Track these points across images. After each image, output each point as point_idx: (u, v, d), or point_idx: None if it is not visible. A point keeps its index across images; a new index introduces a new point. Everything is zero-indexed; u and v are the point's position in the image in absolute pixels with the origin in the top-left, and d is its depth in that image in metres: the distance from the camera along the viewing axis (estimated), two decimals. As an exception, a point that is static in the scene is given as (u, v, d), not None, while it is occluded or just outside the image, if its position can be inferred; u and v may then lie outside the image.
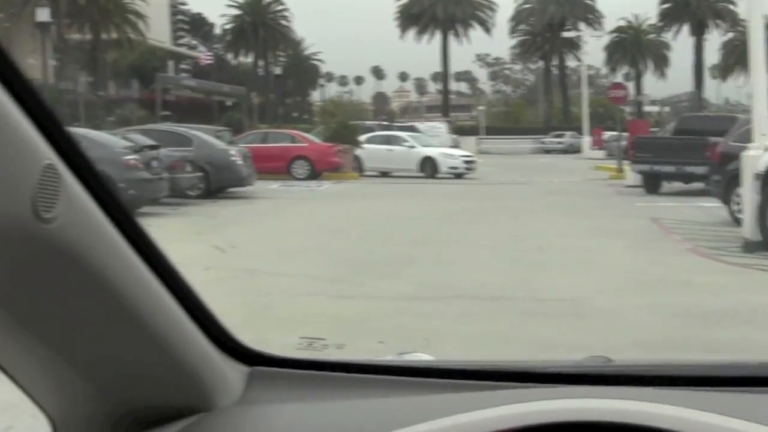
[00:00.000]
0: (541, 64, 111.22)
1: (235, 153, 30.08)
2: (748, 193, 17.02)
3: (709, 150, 26.03)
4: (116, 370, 1.64)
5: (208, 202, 26.66)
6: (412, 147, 43.07)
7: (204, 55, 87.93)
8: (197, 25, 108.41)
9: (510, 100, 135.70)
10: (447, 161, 42.64)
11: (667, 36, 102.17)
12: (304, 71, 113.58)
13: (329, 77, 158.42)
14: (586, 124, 69.34)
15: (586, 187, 35.24)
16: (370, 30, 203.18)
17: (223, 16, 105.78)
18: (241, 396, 1.87)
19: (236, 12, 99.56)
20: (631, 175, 33.65)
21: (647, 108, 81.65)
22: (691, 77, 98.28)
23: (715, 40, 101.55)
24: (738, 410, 1.59)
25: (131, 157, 22.38)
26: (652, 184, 31.62)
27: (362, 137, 44.75)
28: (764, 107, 16.88)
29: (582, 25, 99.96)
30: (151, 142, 25.49)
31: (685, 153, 29.72)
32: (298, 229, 20.95)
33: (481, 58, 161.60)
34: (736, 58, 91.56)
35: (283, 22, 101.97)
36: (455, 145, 54.18)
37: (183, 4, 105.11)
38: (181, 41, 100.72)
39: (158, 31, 70.86)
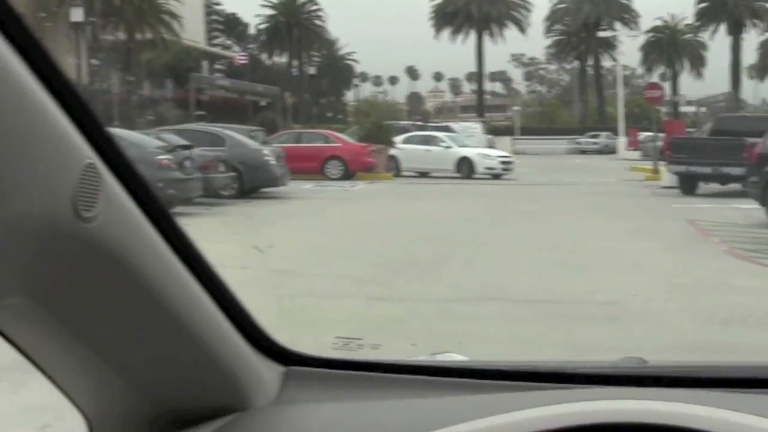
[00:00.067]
0: (576, 64, 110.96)
1: (268, 153, 30.06)
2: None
3: (746, 151, 25.81)
4: (153, 369, 1.65)
5: (241, 202, 26.64)
6: (449, 147, 42.95)
7: (238, 55, 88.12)
8: (232, 25, 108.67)
9: (545, 101, 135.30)
10: (483, 162, 42.44)
11: (704, 36, 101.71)
12: (338, 71, 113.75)
13: (363, 77, 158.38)
14: (621, 125, 69.08)
15: (621, 188, 35.03)
16: (404, 30, 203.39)
17: (258, 16, 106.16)
18: (277, 396, 1.87)
19: (271, 12, 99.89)
20: (667, 176, 33.42)
21: (683, 108, 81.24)
22: (728, 77, 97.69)
23: (752, 39, 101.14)
24: None
25: (164, 157, 22.40)
26: (688, 186, 31.39)
27: (399, 137, 44.74)
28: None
29: (618, 25, 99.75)
30: (184, 142, 25.52)
31: (722, 154, 29.49)
32: (332, 229, 20.90)
33: (516, 58, 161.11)
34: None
35: (318, 22, 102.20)
36: (490, 146, 53.97)
37: (217, 4, 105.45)
38: (216, 41, 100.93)
39: (193, 31, 71.05)
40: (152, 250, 1.50)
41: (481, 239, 18.72)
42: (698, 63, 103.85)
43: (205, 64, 75.63)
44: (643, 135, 62.57)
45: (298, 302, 11.57)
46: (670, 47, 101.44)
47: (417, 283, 13.51)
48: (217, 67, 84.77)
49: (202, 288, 1.65)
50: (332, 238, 18.93)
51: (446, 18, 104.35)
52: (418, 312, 11.32)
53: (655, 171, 38.95)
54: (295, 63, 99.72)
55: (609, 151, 72.84)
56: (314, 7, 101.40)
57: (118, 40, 64.25)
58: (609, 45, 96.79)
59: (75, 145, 1.32)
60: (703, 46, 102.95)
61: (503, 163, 43.01)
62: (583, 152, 78.60)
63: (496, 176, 41.49)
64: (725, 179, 30.23)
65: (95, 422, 1.71)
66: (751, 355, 8.58)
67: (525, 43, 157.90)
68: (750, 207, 22.72)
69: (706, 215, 23.10)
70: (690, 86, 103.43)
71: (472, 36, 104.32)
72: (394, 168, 42.00)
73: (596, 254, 16.40)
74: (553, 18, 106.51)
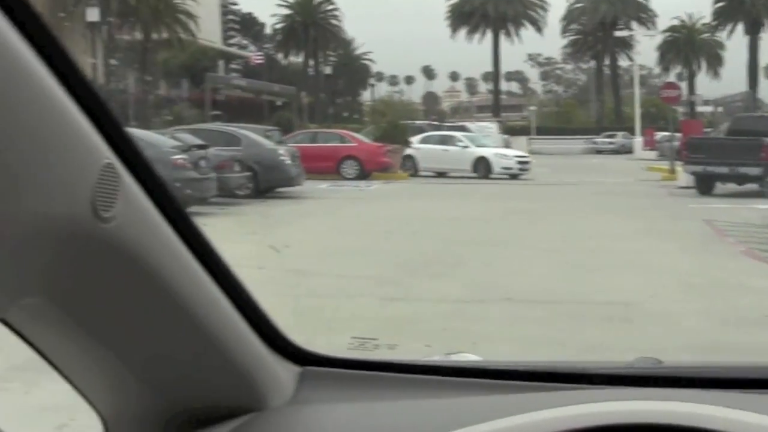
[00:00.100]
0: (592, 63, 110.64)
1: (283, 152, 30.05)
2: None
3: (764, 151, 25.79)
4: (170, 369, 1.65)
5: (256, 202, 26.62)
6: (466, 147, 42.86)
7: (254, 55, 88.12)
8: (248, 25, 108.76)
9: (561, 100, 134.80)
10: (500, 161, 42.32)
11: (721, 35, 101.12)
12: (354, 71, 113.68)
13: (379, 77, 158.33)
14: (638, 125, 68.86)
15: (638, 188, 34.93)
16: (420, 29, 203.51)
17: (274, 15, 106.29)
18: (293, 396, 1.88)
19: (287, 11, 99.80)
20: (684, 176, 33.34)
21: (700, 108, 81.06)
22: (745, 77, 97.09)
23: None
24: None
25: (179, 157, 22.40)
26: (705, 186, 31.28)
27: (417, 137, 44.71)
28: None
29: (634, 25, 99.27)
30: (199, 142, 25.52)
31: (739, 154, 29.40)
32: (347, 229, 20.89)
33: (532, 58, 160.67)
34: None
35: (334, 22, 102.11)
36: (506, 145, 53.86)
37: (234, 4, 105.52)
38: (232, 41, 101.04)
39: (209, 31, 71.10)
40: (170, 250, 1.51)
41: (496, 239, 18.68)
42: (715, 62, 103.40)
43: (221, 63, 75.78)
44: (660, 135, 62.34)
45: (313, 302, 11.56)
46: (687, 47, 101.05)
47: (432, 283, 13.49)
48: (233, 66, 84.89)
49: (219, 288, 1.65)
50: (348, 238, 18.91)
51: (463, 17, 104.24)
52: (432, 312, 11.31)
53: (672, 171, 38.83)
54: (311, 63, 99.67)
55: (625, 151, 72.60)
56: (330, 7, 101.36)
57: (135, 40, 64.35)
58: (626, 44, 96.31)
59: (94, 145, 1.32)
60: (720, 45, 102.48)
61: (520, 162, 42.86)
62: (599, 152, 78.30)
63: (514, 176, 41.36)
64: (742, 179, 30.15)
65: (111, 422, 1.72)
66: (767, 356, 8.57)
67: (541, 42, 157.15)
68: (767, 207, 22.62)
69: (723, 215, 23.02)
70: (707, 86, 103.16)
71: (489, 36, 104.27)
72: (412, 168, 41.96)
73: (612, 254, 16.35)
74: (569, 17, 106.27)
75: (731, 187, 31.09)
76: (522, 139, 69.82)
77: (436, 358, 2.25)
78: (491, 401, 1.79)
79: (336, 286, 12.99)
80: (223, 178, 25.14)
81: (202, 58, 65.19)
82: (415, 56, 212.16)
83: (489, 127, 64.44)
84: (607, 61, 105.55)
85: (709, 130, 51.82)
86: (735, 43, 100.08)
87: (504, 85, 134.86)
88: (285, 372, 1.90)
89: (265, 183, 28.69)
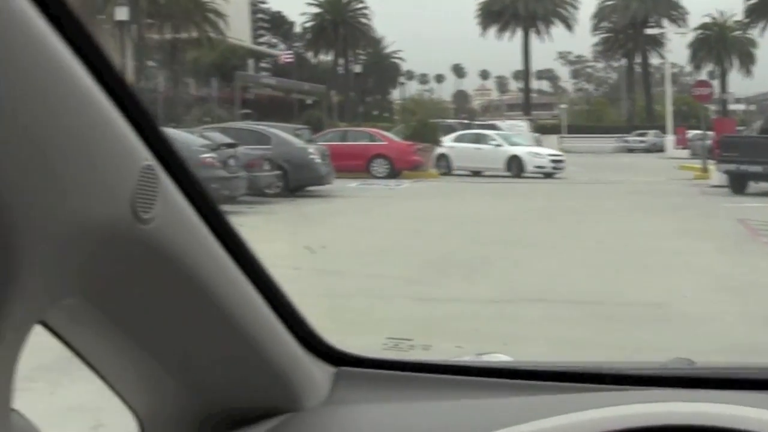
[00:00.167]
0: (623, 61, 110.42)
1: (313, 151, 30.06)
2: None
3: (798, 149, 25.53)
4: (206, 369, 1.66)
5: (286, 201, 26.62)
6: (499, 146, 42.77)
7: (284, 54, 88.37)
8: (277, 24, 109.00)
9: (592, 99, 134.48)
10: (533, 160, 42.16)
11: (754, 32, 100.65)
12: (384, 69, 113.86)
13: (410, 75, 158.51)
14: (669, 123, 68.65)
15: (670, 187, 34.74)
16: (450, 28, 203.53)
17: (304, 14, 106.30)
18: (328, 396, 1.89)
19: (316, 10, 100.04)
20: (717, 174, 33.13)
21: (732, 106, 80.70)
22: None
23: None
24: None
25: (208, 155, 22.42)
26: (738, 185, 31.06)
27: (451, 135, 44.73)
28: None
29: (665, 22, 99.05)
30: (228, 140, 25.52)
31: (772, 152, 29.20)
32: (377, 228, 20.84)
33: (562, 56, 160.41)
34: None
35: (363, 20, 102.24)
36: (538, 144, 53.71)
37: (263, 2, 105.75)
38: (261, 40, 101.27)
39: (238, 29, 71.22)
40: (207, 250, 1.52)
41: (527, 239, 18.58)
42: (747, 60, 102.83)
43: (250, 62, 75.98)
44: (692, 133, 62.10)
45: (345, 302, 11.55)
46: (719, 44, 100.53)
47: (463, 283, 13.47)
48: (263, 65, 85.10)
49: (255, 288, 1.66)
50: (378, 237, 18.89)
51: (492, 16, 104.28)
52: (463, 313, 11.25)
53: (704, 170, 38.60)
54: (340, 61, 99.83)
55: (657, 149, 72.38)
56: (360, 5, 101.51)
57: (164, 39, 64.54)
58: (657, 42, 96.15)
59: (133, 146, 1.33)
60: (752, 43, 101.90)
61: (554, 161, 42.63)
62: (631, 151, 78.08)
63: (548, 175, 41.15)
64: (776, 178, 29.94)
65: (146, 422, 1.71)
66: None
67: (572, 40, 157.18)
68: (801, 206, 22.45)
69: (757, 215, 22.85)
70: (739, 84, 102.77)
71: (519, 34, 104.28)
72: (446, 166, 41.91)
73: (645, 254, 16.25)
74: (600, 15, 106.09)
75: (765, 186, 30.86)
76: (553, 138, 69.71)
77: (467, 358, 2.25)
78: (528, 402, 1.79)
79: (366, 285, 12.99)
80: (253, 176, 25.16)
81: (231, 57, 65.31)
82: (446, 54, 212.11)
83: (519, 125, 64.34)
84: (638, 59, 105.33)
85: (741, 128, 51.52)
86: (767, 40, 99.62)
87: (534, 84, 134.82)
88: (320, 372, 1.91)
89: (295, 181, 28.69)
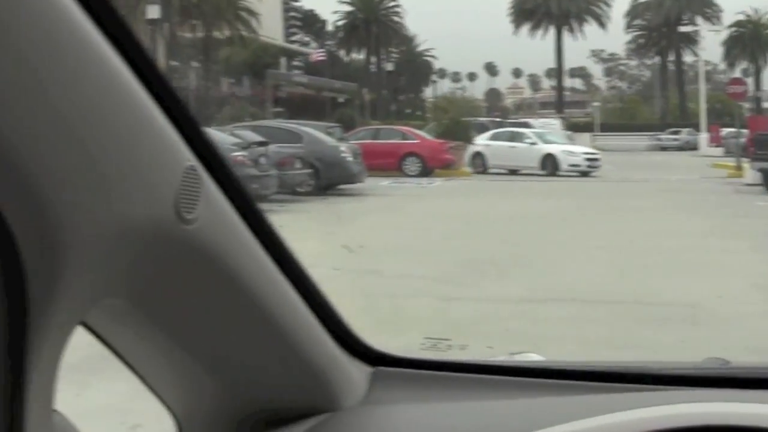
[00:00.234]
0: (657, 59, 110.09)
1: (345, 149, 30.05)
2: None
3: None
4: (245, 369, 1.66)
5: (317, 199, 26.64)
6: (534, 144, 42.61)
7: (316, 52, 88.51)
8: (309, 22, 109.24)
9: (625, 97, 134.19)
10: (568, 159, 41.97)
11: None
12: (416, 67, 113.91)
13: (442, 73, 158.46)
14: (703, 121, 68.36)
15: (703, 186, 34.57)
16: (483, 26, 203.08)
17: (336, 12, 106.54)
18: (365, 396, 1.88)
19: (349, 8, 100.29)
20: (751, 173, 32.92)
21: (767, 104, 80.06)
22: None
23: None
24: None
25: (239, 154, 22.43)
26: (772, 183, 30.85)
27: (486, 134, 44.69)
28: None
29: (699, 20, 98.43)
30: (259, 139, 25.53)
31: (807, 150, 29.00)
32: (409, 227, 20.81)
33: (595, 54, 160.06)
34: None
35: (396, 19, 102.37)
36: (570, 142, 53.60)
37: (296, 0, 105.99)
38: (294, 38, 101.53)
39: (270, 28, 71.42)
40: (248, 250, 1.52)
41: (559, 238, 18.51)
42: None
43: (283, 60, 76.11)
44: (726, 131, 61.75)
45: (380, 302, 11.56)
46: (753, 42, 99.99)
47: (494, 283, 13.41)
48: (295, 63, 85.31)
49: (294, 288, 1.66)
50: (410, 236, 18.85)
51: (525, 14, 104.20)
52: (495, 313, 11.23)
53: (738, 168, 38.37)
54: (373, 59, 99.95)
55: (690, 147, 72.12)
56: (392, 3, 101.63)
57: (196, 38, 64.75)
58: (690, 40, 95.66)
59: (176, 147, 1.34)
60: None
61: (589, 160, 42.38)
62: (664, 149, 77.83)
63: (584, 174, 40.95)
64: (811, 176, 29.74)
65: (184, 421, 1.71)
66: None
67: (605, 38, 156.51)
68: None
69: (792, 213, 22.70)
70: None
71: (552, 32, 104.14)
72: (481, 165, 41.82)
73: (677, 253, 16.15)
74: (633, 13, 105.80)
75: (799, 184, 30.68)
76: (585, 136, 69.58)
77: (501, 358, 2.27)
78: (565, 402, 1.79)
79: (397, 285, 12.95)
80: (284, 175, 25.17)
81: (263, 55, 65.49)
82: (478, 53, 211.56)
83: (552, 123, 64.28)
84: (671, 57, 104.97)
85: (776, 126, 51.19)
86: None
87: (567, 82, 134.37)
88: (357, 372, 1.90)
89: (326, 180, 28.69)
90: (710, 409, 1.61)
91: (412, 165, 38.08)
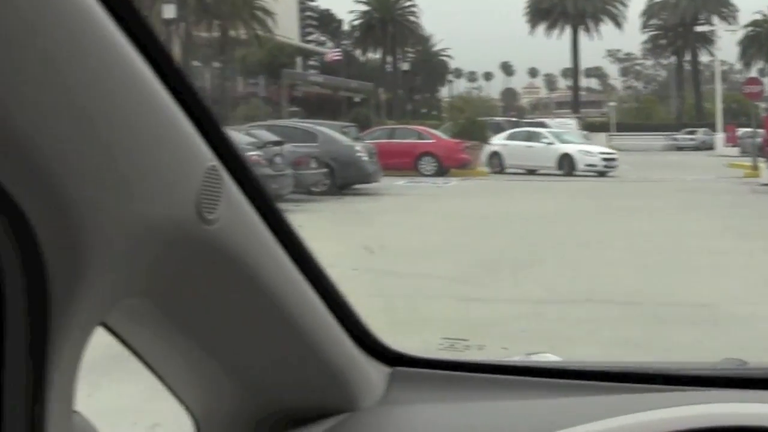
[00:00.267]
0: (673, 59, 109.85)
1: (360, 149, 30.03)
2: None
3: None
4: (264, 369, 1.67)
5: (333, 199, 26.61)
6: (551, 144, 42.49)
7: (332, 52, 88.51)
8: (325, 22, 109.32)
9: (641, 96, 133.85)
10: (584, 158, 41.80)
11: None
12: (432, 67, 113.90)
13: (458, 73, 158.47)
14: (719, 121, 68.18)
15: (719, 186, 34.44)
16: (499, 26, 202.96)
17: (352, 12, 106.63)
18: (383, 396, 1.89)
19: (365, 8, 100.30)
20: (767, 172, 32.80)
21: (783, 104, 79.73)
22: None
23: None
24: None
25: (254, 154, 22.42)
26: (789, 183, 30.79)
27: (503, 133, 44.60)
28: None
29: (715, 20, 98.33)
30: (274, 138, 25.53)
31: (824, 150, 28.93)
32: (425, 227, 20.78)
33: (611, 54, 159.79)
34: None
35: (412, 18, 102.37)
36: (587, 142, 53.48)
37: (312, 0, 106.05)
38: (310, 38, 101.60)
39: (286, 27, 71.48)
40: (267, 250, 1.53)
41: (576, 238, 18.47)
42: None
43: (298, 60, 76.17)
44: (742, 131, 61.57)
45: (397, 302, 11.51)
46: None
47: (509, 283, 13.40)
48: (311, 63, 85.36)
49: (313, 288, 1.67)
50: (426, 236, 18.81)
51: (541, 14, 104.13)
52: (511, 313, 11.20)
53: (755, 167, 38.27)
54: (389, 59, 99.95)
55: (706, 147, 71.90)
56: (408, 3, 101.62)
57: (212, 37, 64.82)
58: (707, 40, 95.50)
59: (198, 147, 1.34)
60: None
61: (606, 159, 42.17)
62: (680, 149, 77.57)
63: (601, 173, 40.81)
64: (828, 176, 29.66)
65: (203, 421, 1.71)
66: None
67: (621, 38, 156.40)
68: None
69: (809, 214, 22.62)
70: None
71: (568, 31, 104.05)
72: (498, 164, 41.75)
73: (694, 254, 16.11)
74: (649, 13, 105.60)
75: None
76: (601, 136, 69.43)
77: (517, 358, 2.28)
78: (583, 402, 1.81)
79: (413, 286, 12.92)
80: (299, 174, 25.15)
81: (279, 55, 65.53)
82: (494, 52, 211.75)
83: (568, 123, 64.17)
84: (687, 57, 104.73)
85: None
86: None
87: (583, 81, 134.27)
88: (375, 372, 1.91)
89: (342, 179, 28.66)
90: (729, 409, 1.62)
91: (427, 165, 38.02)
